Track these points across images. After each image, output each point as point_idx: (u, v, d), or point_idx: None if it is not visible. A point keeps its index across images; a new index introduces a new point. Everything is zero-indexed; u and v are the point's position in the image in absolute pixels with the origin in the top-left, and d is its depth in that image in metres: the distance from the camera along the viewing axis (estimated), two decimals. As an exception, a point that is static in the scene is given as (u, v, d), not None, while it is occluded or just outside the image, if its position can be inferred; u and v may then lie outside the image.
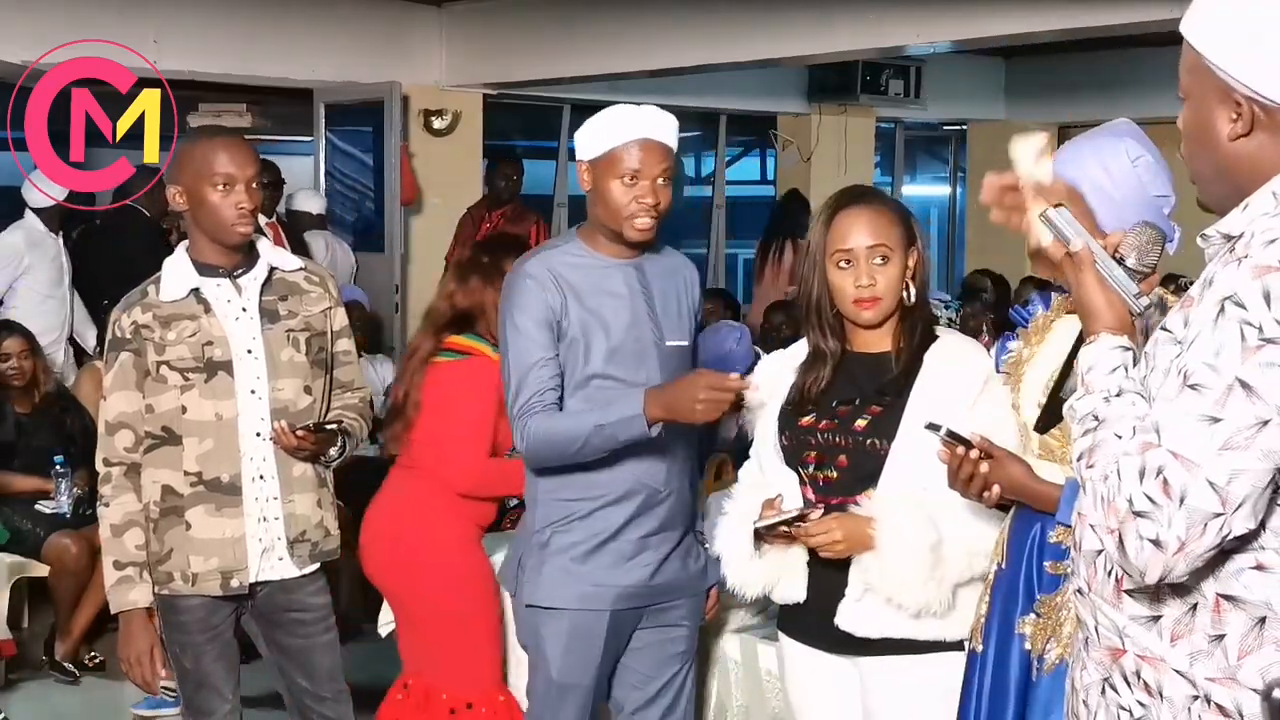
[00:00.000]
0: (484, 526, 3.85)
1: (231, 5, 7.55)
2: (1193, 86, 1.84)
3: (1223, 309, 1.66)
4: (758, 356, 4.01)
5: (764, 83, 9.63)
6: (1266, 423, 1.63)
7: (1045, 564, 2.61)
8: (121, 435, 3.20)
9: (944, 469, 2.58)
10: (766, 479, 2.92)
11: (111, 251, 7.11)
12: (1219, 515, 1.64)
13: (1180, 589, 1.75)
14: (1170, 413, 1.67)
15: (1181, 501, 1.64)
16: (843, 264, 2.79)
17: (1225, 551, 1.71)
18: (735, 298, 7.75)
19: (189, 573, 3.18)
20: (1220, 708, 1.73)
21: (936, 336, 2.88)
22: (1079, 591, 1.91)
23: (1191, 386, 1.66)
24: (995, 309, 6.68)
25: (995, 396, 2.77)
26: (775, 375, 2.95)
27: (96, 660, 5.49)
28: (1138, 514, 1.66)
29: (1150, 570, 1.68)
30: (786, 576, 2.84)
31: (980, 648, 2.69)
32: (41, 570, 5.47)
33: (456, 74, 8.44)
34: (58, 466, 5.51)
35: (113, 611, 3.24)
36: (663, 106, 3.24)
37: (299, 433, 3.18)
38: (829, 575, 2.79)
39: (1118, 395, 1.79)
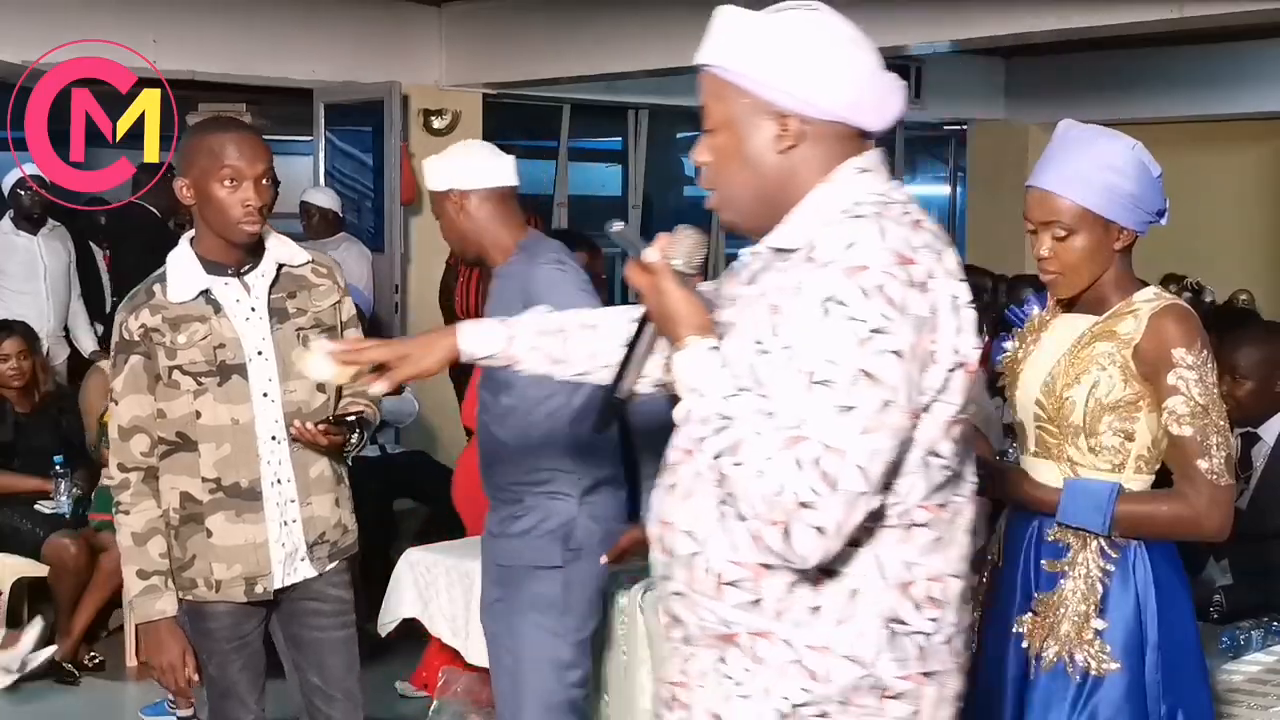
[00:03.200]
0: None
1: (231, 5, 7.54)
2: (724, 112, 1.94)
3: (826, 310, 1.79)
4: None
5: (764, 83, 9.62)
6: (889, 404, 1.78)
7: (1042, 562, 2.62)
8: (137, 440, 3.10)
9: None
10: None
11: (117, 249, 7.12)
12: (864, 494, 1.78)
13: (778, 570, 1.88)
14: (809, 411, 1.77)
15: (836, 487, 1.76)
16: None
17: None
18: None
19: (213, 579, 3.12)
20: (811, 672, 1.89)
21: None
22: (676, 594, 1.99)
23: (820, 383, 1.77)
24: (996, 308, 6.68)
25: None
26: None
27: (96, 660, 5.49)
28: (804, 505, 1.76)
29: (813, 555, 1.80)
30: None
31: (977, 645, 2.69)
32: (41, 570, 5.47)
33: (456, 74, 8.43)
34: (57, 467, 5.51)
35: (137, 622, 3.19)
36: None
37: (321, 427, 3.11)
38: None
39: (736, 394, 1.85)
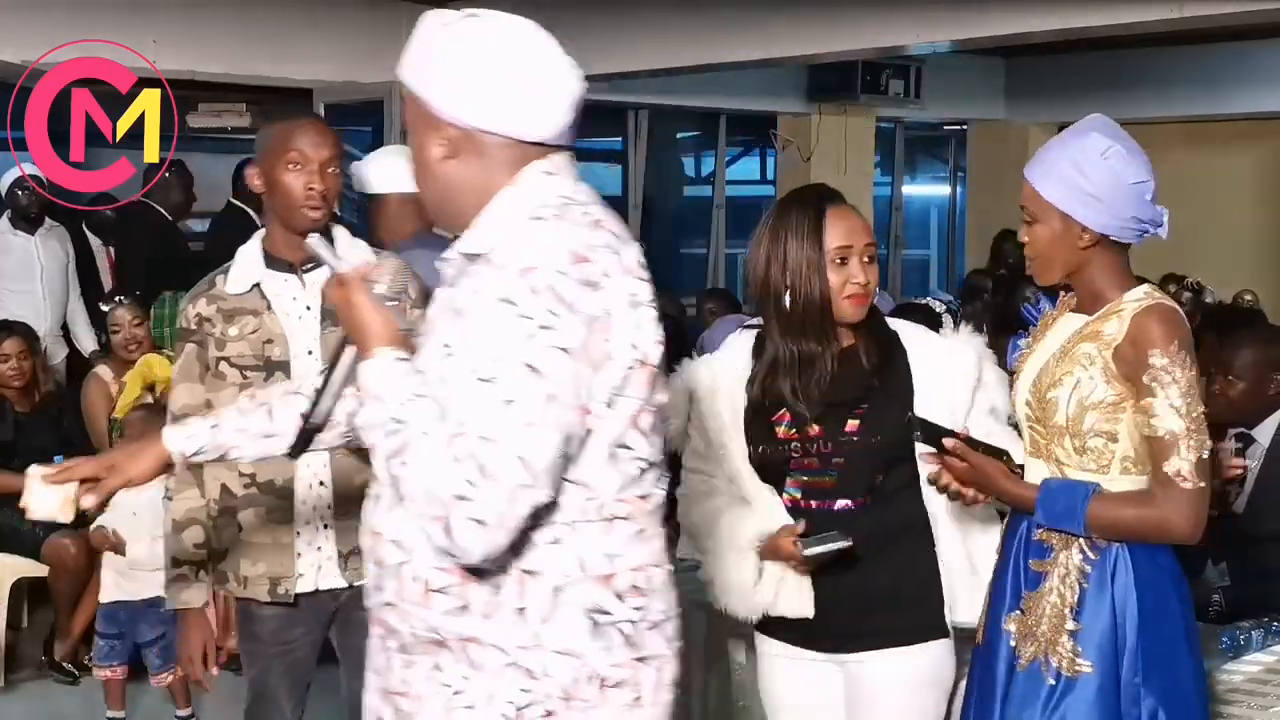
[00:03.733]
0: None
1: (231, 5, 7.54)
2: (412, 120, 2.03)
3: (497, 310, 1.84)
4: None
5: (764, 83, 9.63)
6: (553, 398, 1.83)
7: (1030, 561, 2.62)
8: None
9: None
10: (739, 494, 2.85)
11: (124, 247, 7.11)
12: (527, 486, 1.82)
13: (484, 574, 1.92)
14: (470, 406, 1.82)
15: (495, 479, 1.80)
16: (838, 261, 2.78)
17: (525, 531, 1.89)
18: (736, 298, 7.74)
19: (240, 575, 3.08)
20: (529, 671, 1.93)
21: (889, 327, 2.89)
22: (388, 604, 2.02)
23: (485, 380, 1.82)
24: (995, 309, 6.68)
25: (992, 387, 2.81)
26: (714, 385, 2.90)
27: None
28: (460, 498, 1.80)
29: (475, 549, 1.84)
30: (787, 593, 2.80)
31: (980, 640, 2.71)
32: (41, 570, 5.46)
33: (456, 74, 8.43)
34: (57, 467, 5.50)
35: (166, 608, 3.17)
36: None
37: None
38: (831, 583, 2.78)
39: (414, 400, 1.90)
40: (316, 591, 3.11)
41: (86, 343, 7.03)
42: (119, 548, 4.88)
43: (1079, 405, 2.55)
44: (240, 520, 3.07)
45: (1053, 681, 2.56)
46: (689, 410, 2.92)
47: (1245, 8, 5.74)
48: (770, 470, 2.83)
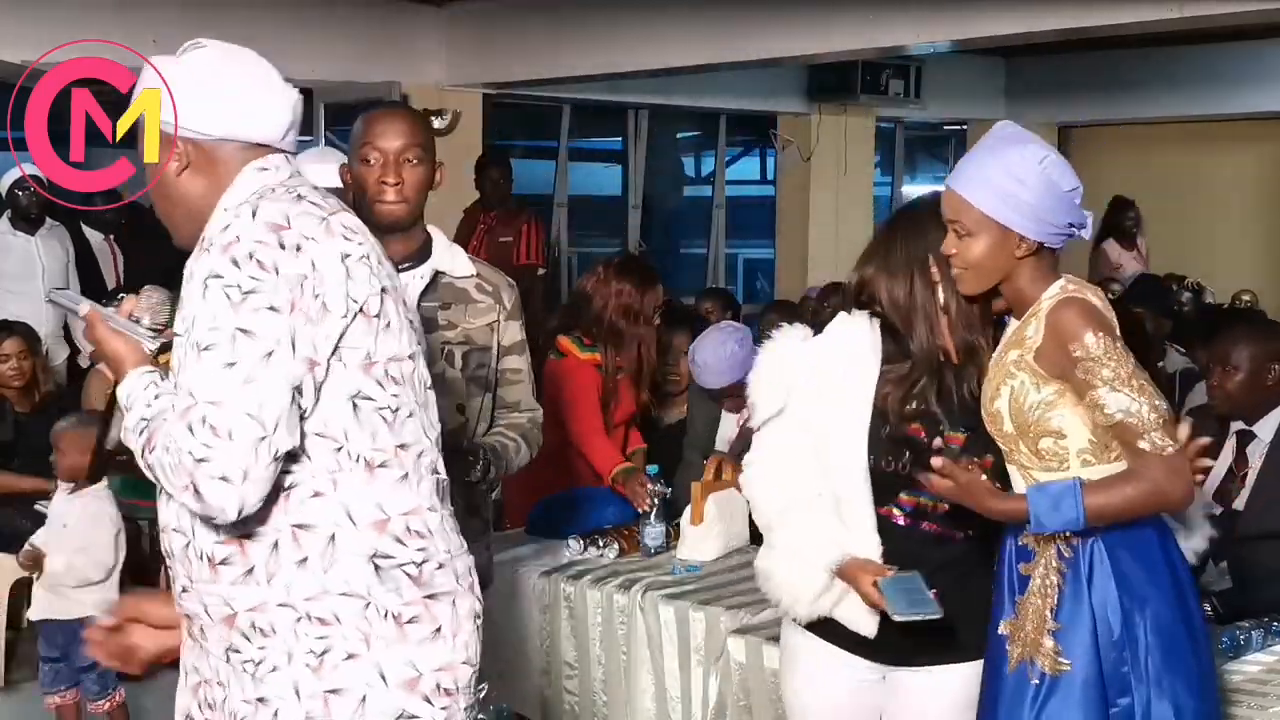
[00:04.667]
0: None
1: (231, 5, 7.54)
2: (151, 150, 2.28)
3: (206, 286, 2.00)
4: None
5: (764, 83, 9.63)
6: (271, 354, 1.97)
7: (1019, 566, 2.63)
8: None
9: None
10: (834, 499, 2.69)
11: (129, 248, 7.10)
12: (264, 438, 1.95)
13: (259, 536, 2.06)
14: (195, 376, 1.97)
15: (230, 436, 1.93)
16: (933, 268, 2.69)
17: (289, 488, 2.04)
18: (736, 298, 7.74)
19: None
20: (320, 620, 2.06)
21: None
22: (183, 590, 2.15)
23: (205, 349, 1.97)
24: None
25: None
26: (829, 375, 2.71)
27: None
28: (200, 460, 1.94)
29: (228, 505, 1.96)
30: (850, 604, 2.69)
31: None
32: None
33: (456, 74, 8.43)
34: (57, 467, 5.50)
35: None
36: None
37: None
38: None
39: (156, 398, 2.07)
40: None
41: (86, 343, 7.03)
42: (39, 567, 4.76)
43: (1019, 413, 2.56)
44: None
45: (1036, 681, 2.57)
46: (787, 392, 2.75)
47: (1245, 8, 5.74)
48: (885, 482, 2.69)
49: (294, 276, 2.01)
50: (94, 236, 7.44)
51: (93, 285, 7.31)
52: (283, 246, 2.02)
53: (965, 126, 11.40)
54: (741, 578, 4.03)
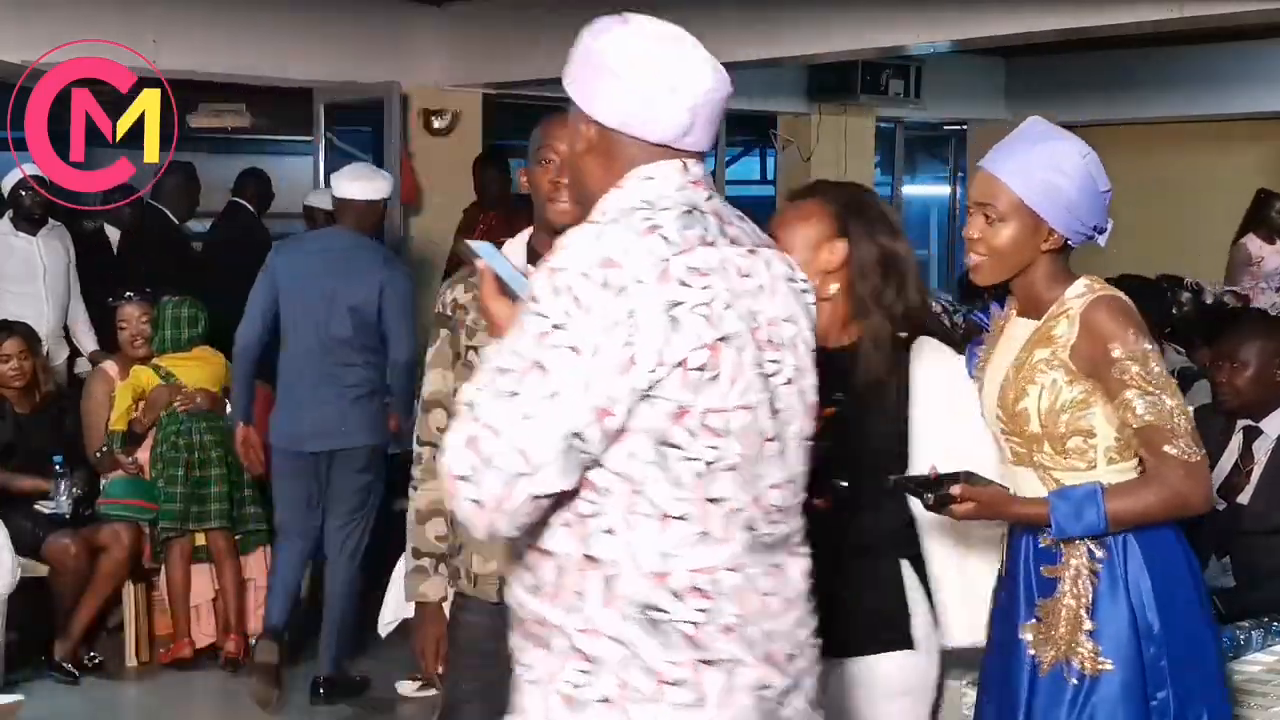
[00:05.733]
0: None
1: (231, 5, 7.54)
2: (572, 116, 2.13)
3: (526, 307, 1.97)
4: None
5: (764, 83, 9.62)
6: (556, 395, 1.90)
7: (1041, 568, 2.62)
8: (435, 414, 2.95)
9: None
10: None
11: (134, 247, 7.09)
12: (525, 475, 1.91)
13: (551, 556, 2.01)
14: (483, 394, 1.94)
15: (490, 465, 1.91)
16: None
17: (587, 516, 1.97)
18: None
19: (472, 572, 2.91)
20: (584, 654, 1.99)
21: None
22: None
23: (500, 370, 1.94)
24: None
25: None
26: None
27: (96, 660, 5.49)
28: (461, 478, 1.93)
29: (476, 526, 1.95)
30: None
31: (988, 655, 2.71)
32: (41, 570, 5.47)
33: (456, 74, 8.43)
34: (57, 467, 5.51)
35: (405, 600, 3.08)
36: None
37: None
38: None
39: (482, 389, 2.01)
40: None
41: (87, 343, 7.02)
42: None
43: (1049, 411, 2.56)
44: None
45: (1075, 682, 2.56)
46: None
47: (1245, 7, 5.73)
48: None
49: (607, 321, 1.91)
50: (113, 234, 7.42)
51: (102, 283, 7.29)
52: (605, 286, 1.91)
53: (965, 126, 11.40)
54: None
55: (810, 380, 2.14)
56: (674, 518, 1.97)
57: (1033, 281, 2.63)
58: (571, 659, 1.99)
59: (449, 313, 2.97)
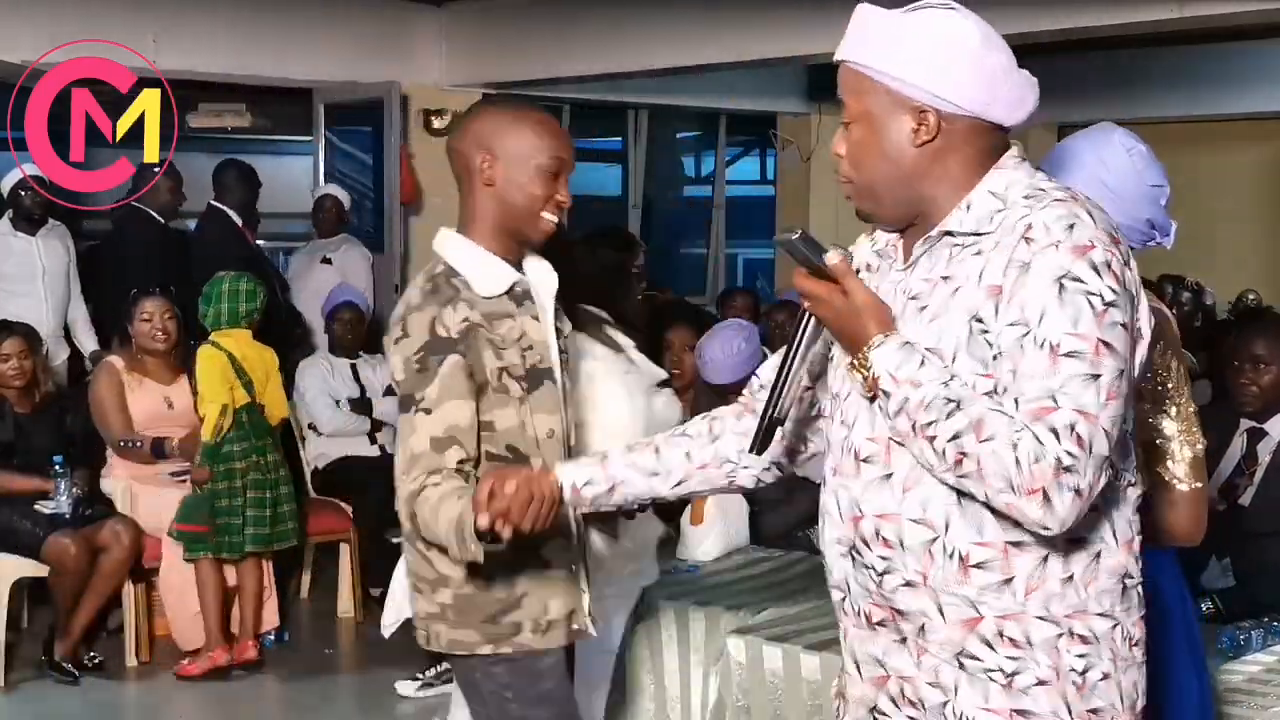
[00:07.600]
0: None
1: (231, 5, 7.54)
2: (863, 107, 2.02)
3: (1063, 287, 1.88)
4: (764, 356, 4.01)
5: (764, 83, 9.63)
6: (1122, 373, 1.89)
7: None
8: (452, 453, 2.54)
9: None
10: None
11: (120, 251, 7.07)
12: (1108, 458, 1.89)
13: (1027, 547, 1.95)
14: (1056, 380, 1.86)
15: (1090, 451, 1.86)
16: None
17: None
18: (759, 298, 7.76)
19: (543, 620, 2.66)
20: (1081, 637, 1.97)
21: None
22: (906, 584, 2.00)
23: (1068, 354, 1.87)
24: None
25: None
26: None
27: (96, 660, 5.48)
28: (1066, 469, 1.85)
29: (1071, 518, 1.88)
30: None
31: None
32: (41, 570, 5.46)
33: (456, 74, 8.43)
34: (57, 467, 5.50)
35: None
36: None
37: None
38: None
39: (951, 379, 1.92)
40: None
41: (87, 343, 7.02)
42: None
43: None
44: (544, 554, 2.67)
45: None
46: None
47: (1245, 8, 5.74)
48: None
49: (1130, 295, 1.94)
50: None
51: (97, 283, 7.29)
52: (1125, 262, 1.93)
53: (965, 126, 11.40)
54: (741, 578, 4.04)
55: None
56: (1130, 485, 2.05)
57: None
58: (1067, 645, 1.97)
59: (454, 336, 2.57)
